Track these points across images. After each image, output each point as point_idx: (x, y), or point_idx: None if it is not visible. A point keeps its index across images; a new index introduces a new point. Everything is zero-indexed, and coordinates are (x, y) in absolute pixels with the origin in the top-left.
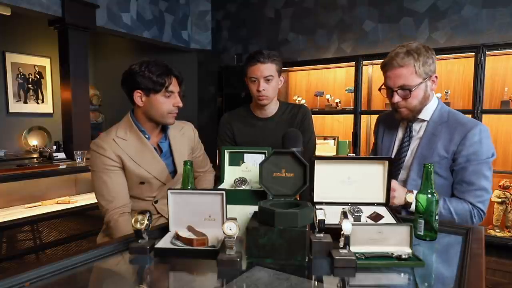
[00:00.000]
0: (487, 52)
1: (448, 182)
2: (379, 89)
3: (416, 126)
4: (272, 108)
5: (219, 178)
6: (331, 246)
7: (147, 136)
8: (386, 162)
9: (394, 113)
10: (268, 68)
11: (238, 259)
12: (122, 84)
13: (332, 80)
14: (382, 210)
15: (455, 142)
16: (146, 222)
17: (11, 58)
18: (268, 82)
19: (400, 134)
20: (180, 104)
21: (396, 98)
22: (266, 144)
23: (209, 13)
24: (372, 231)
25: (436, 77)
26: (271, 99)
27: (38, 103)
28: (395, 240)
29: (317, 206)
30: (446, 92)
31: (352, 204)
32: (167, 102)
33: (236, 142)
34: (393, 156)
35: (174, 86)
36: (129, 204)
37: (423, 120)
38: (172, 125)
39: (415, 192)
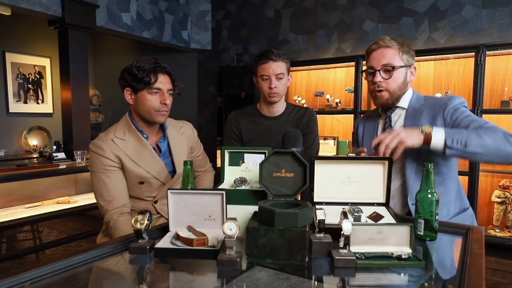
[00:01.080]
0: (487, 52)
1: (440, 158)
2: (362, 71)
3: (395, 116)
4: (279, 107)
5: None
6: (331, 246)
7: (145, 135)
8: (386, 162)
9: (374, 100)
10: (279, 66)
11: (238, 259)
12: (119, 83)
13: (332, 80)
14: (382, 210)
15: (440, 116)
16: (146, 222)
17: (11, 58)
18: (279, 80)
19: (380, 128)
20: (167, 102)
21: (378, 77)
22: (273, 142)
23: (209, 13)
24: (372, 231)
25: (415, 68)
26: (281, 96)
27: (38, 103)
28: (395, 240)
29: (317, 206)
30: (446, 92)
31: (352, 204)
32: (154, 99)
33: (242, 140)
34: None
35: (161, 84)
36: (128, 204)
37: (402, 109)
38: (163, 123)
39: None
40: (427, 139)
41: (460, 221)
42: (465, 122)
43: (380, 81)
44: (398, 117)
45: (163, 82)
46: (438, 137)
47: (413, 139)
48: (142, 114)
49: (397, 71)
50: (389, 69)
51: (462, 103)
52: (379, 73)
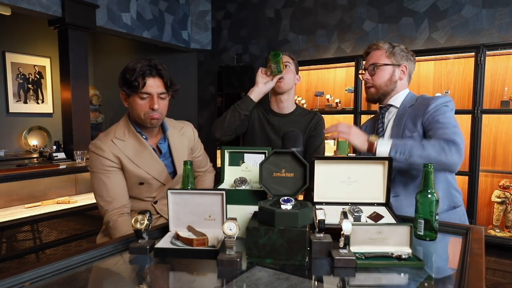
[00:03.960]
0: (487, 52)
1: None
2: (359, 73)
3: (388, 115)
4: (289, 104)
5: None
6: (331, 246)
7: (144, 137)
8: (386, 162)
9: (366, 95)
10: (285, 58)
11: (238, 259)
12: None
13: (332, 80)
14: (382, 210)
15: (420, 114)
16: (146, 222)
17: (11, 58)
18: (285, 68)
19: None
20: (154, 106)
21: (366, 75)
22: (276, 139)
23: (209, 13)
24: (372, 231)
25: (405, 67)
26: (289, 87)
27: (38, 103)
28: (395, 240)
29: (317, 206)
30: (446, 92)
31: (352, 204)
32: (143, 104)
33: (248, 128)
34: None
35: (151, 88)
36: (128, 204)
37: (395, 108)
38: (156, 126)
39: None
40: (371, 148)
41: (447, 218)
42: (435, 127)
43: (367, 78)
44: (391, 115)
45: (152, 86)
46: (383, 148)
47: (356, 140)
48: (135, 118)
49: (381, 69)
50: (374, 67)
51: (443, 103)
52: (367, 71)
